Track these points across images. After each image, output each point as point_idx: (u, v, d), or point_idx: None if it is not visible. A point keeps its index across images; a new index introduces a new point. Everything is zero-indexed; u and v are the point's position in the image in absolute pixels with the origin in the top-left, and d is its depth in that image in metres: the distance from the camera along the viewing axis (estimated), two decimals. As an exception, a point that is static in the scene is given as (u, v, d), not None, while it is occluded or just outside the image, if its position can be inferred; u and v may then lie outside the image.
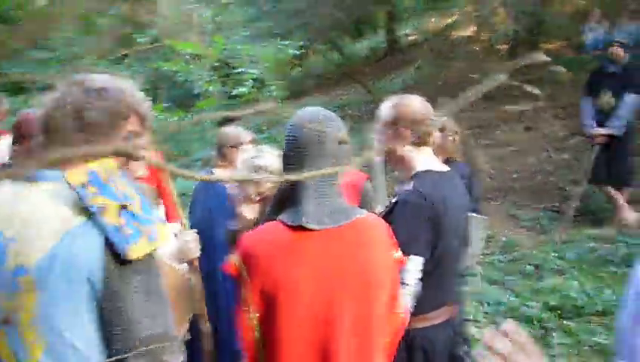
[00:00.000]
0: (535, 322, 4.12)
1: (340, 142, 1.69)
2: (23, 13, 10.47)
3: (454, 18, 14.45)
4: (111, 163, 1.27)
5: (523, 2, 8.71)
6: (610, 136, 5.47)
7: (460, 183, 2.28)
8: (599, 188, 5.89)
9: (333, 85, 14.07)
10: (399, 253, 1.81)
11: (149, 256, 1.23)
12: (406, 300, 1.96)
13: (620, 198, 5.57)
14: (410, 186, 2.07)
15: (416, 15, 16.03)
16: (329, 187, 1.67)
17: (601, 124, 5.53)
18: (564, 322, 4.08)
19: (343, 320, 1.60)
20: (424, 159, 2.17)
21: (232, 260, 1.66)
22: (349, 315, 1.61)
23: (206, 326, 2.47)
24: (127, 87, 1.38)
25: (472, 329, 4.04)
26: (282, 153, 1.74)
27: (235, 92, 9.15)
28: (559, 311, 4.21)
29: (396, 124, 2.13)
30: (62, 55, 10.37)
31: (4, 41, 9.49)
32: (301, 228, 1.60)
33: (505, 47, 11.50)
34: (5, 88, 8.56)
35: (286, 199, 1.68)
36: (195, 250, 2.19)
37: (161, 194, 3.45)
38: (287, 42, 7.79)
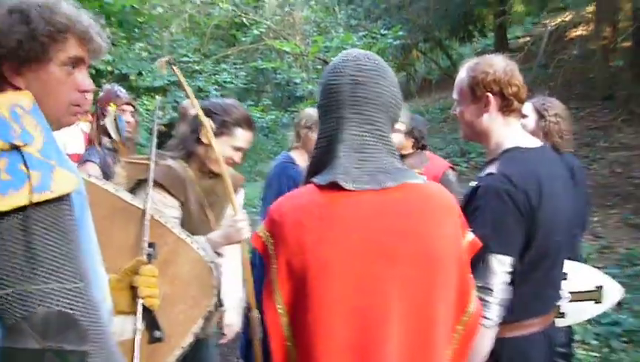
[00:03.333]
0: (659, 350, 3.45)
1: (388, 87, 1.32)
2: (139, 17, 10.96)
3: (569, 17, 13.41)
4: (25, 96, 1.04)
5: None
6: None
7: (559, 164, 1.81)
8: None
9: (434, 87, 13.55)
10: (472, 236, 1.39)
11: (38, 209, 0.96)
12: (492, 310, 1.58)
13: None
14: (494, 168, 1.65)
15: (529, 16, 15.12)
16: (376, 141, 1.29)
17: None
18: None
19: (393, 316, 1.21)
20: (512, 133, 1.74)
21: (259, 231, 1.33)
22: (402, 310, 1.22)
23: (253, 314, 2.20)
24: (58, 2, 1.12)
25: (580, 352, 3.47)
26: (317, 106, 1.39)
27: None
28: (692, 340, 3.51)
29: (474, 87, 1.73)
30: (168, 54, 10.74)
31: (120, 41, 9.97)
32: (335, 188, 1.24)
33: (628, 44, 10.38)
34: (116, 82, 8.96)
35: (323, 158, 1.33)
36: (244, 231, 2.05)
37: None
38: (386, 32, 7.40)
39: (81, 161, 2.84)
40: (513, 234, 1.59)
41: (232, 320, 2.36)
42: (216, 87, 9.67)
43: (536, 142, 1.80)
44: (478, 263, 1.56)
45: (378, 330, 1.21)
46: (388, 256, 1.22)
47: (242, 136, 2.13)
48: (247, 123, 2.14)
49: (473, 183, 1.73)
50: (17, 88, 1.07)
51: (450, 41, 15.12)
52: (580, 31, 13.05)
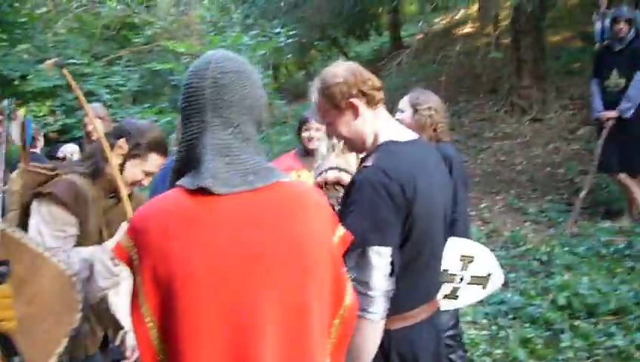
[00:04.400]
0: (542, 323, 3.72)
1: (252, 88, 1.30)
2: (20, 16, 10.26)
3: (458, 16, 14.14)
4: None
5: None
6: (620, 120, 5.01)
7: (434, 156, 1.87)
8: (611, 177, 5.44)
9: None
10: (343, 231, 1.40)
11: None
12: (377, 304, 1.59)
13: (634, 187, 5.10)
14: (370, 162, 1.68)
15: (421, 16, 15.76)
16: (242, 142, 1.27)
17: (610, 107, 5.08)
18: (575, 322, 3.67)
19: (266, 318, 1.19)
20: (385, 125, 1.78)
21: (122, 241, 1.26)
22: (275, 312, 1.20)
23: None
24: None
25: (471, 332, 3.66)
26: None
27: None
28: (569, 311, 3.81)
29: (336, 102, 1.74)
30: (53, 56, 10.13)
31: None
32: (203, 192, 1.20)
33: (508, 41, 11.09)
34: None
35: (187, 163, 1.28)
36: None
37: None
38: (278, 30, 7.40)
39: None
40: (391, 226, 1.60)
41: (134, 342, 2.26)
42: (108, 90, 9.22)
43: (411, 135, 1.85)
44: (358, 257, 1.58)
45: (252, 335, 1.19)
46: (259, 258, 1.20)
47: (155, 162, 2.07)
48: (162, 149, 2.09)
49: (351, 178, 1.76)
50: None
51: (348, 39, 15.42)
52: (467, 28, 13.78)
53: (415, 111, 2.80)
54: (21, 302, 1.29)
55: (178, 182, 1.25)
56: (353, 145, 1.84)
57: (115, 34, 12.36)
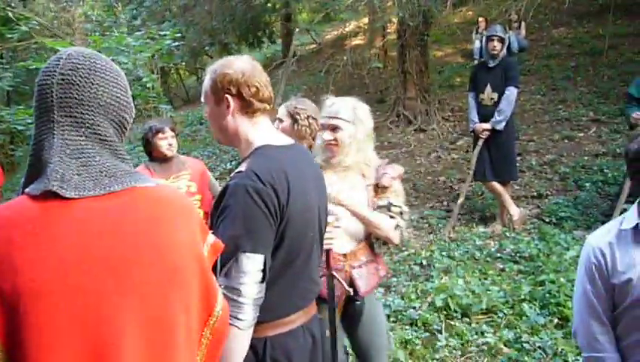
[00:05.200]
0: (421, 324, 3.87)
1: (107, 87, 1.22)
2: None
3: (349, 28, 14.58)
4: None
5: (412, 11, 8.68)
6: (494, 131, 5.39)
7: (310, 162, 1.88)
8: (485, 185, 5.82)
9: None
10: (213, 239, 1.36)
11: None
12: (246, 311, 1.55)
13: (505, 194, 5.51)
14: (243, 167, 1.64)
15: (314, 26, 16.07)
16: (96, 143, 1.19)
17: (485, 120, 5.45)
18: (451, 323, 3.86)
19: (126, 330, 1.11)
20: (261, 132, 1.75)
21: None
22: (136, 323, 1.13)
23: None
24: None
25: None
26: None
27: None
28: (445, 312, 3.99)
29: (215, 90, 1.72)
30: None
31: None
32: (52, 197, 1.10)
33: (395, 54, 11.61)
34: None
35: (36, 166, 1.18)
36: None
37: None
38: (164, 32, 7.16)
39: None
40: (264, 232, 1.58)
41: None
42: (-25, 88, 8.45)
43: (288, 140, 1.84)
44: (229, 263, 1.54)
45: (111, 349, 1.10)
46: (115, 267, 1.11)
47: None
48: None
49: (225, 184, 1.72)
50: None
51: (240, 45, 15.35)
52: (357, 40, 14.23)
53: (294, 121, 2.80)
54: None
55: (26, 189, 1.14)
56: (220, 137, 1.82)
57: (-14, 28, 11.38)
